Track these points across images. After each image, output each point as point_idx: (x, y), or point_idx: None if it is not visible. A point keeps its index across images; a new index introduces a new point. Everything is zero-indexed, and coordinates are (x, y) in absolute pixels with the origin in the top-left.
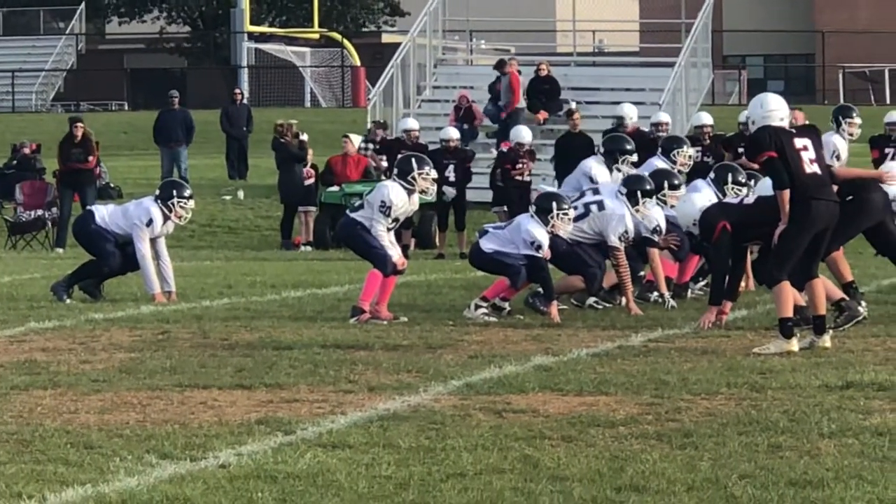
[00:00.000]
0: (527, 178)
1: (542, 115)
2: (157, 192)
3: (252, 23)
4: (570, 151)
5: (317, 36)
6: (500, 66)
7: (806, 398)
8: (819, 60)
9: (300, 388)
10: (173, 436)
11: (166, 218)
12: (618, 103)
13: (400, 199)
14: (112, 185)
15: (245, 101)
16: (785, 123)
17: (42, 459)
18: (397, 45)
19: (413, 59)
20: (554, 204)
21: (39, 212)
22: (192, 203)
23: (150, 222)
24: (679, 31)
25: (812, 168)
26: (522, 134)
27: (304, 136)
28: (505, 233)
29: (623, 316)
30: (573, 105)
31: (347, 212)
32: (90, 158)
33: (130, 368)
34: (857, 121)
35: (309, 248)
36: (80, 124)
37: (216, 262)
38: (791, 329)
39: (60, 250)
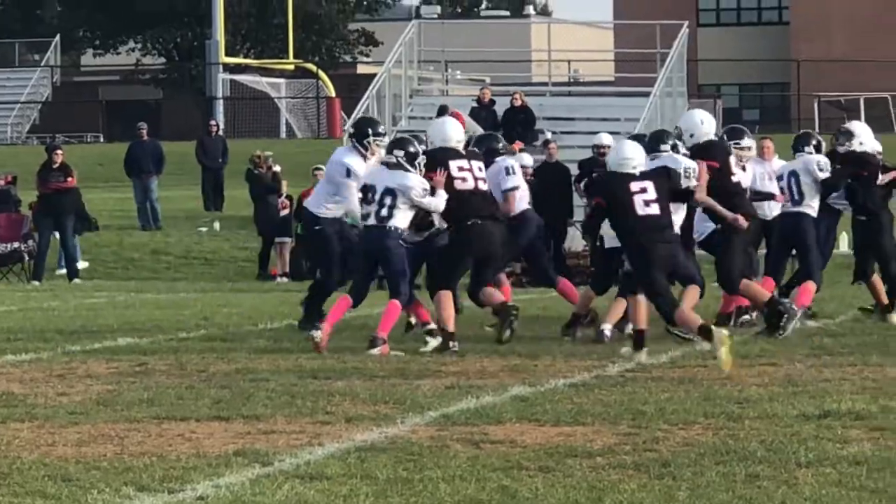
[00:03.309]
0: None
1: (518, 144)
2: (351, 131)
3: (227, 54)
4: (547, 181)
5: (292, 67)
6: (442, 112)
7: (783, 427)
8: (794, 89)
9: (277, 419)
10: (151, 468)
11: (365, 158)
12: (593, 133)
13: (355, 161)
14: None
15: (220, 132)
16: (637, 171)
17: (20, 492)
18: (372, 75)
19: (388, 89)
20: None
21: (16, 244)
22: (386, 140)
23: (348, 172)
24: (654, 60)
25: (646, 210)
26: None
27: (277, 168)
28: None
29: (600, 347)
30: (549, 135)
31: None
32: (69, 179)
33: (108, 400)
34: (747, 143)
35: (285, 280)
36: (59, 151)
37: (193, 293)
38: (642, 341)
39: (37, 283)
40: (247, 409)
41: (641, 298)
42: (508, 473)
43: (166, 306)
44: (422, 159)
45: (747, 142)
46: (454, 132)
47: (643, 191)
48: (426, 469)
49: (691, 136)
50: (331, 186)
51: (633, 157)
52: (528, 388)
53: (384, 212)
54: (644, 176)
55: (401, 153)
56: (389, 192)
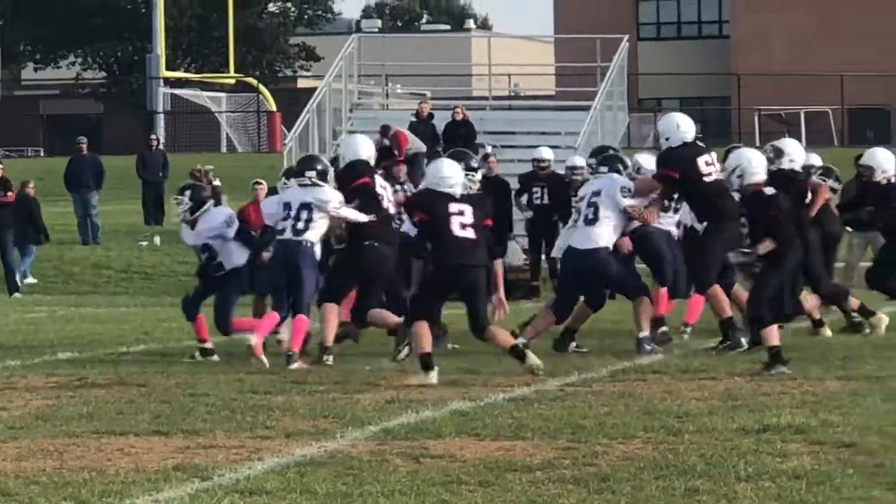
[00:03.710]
0: None
1: None
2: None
3: (168, 68)
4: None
5: (232, 81)
6: (384, 131)
7: (723, 441)
8: (735, 103)
9: (217, 434)
10: (90, 483)
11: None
12: (534, 147)
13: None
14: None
15: (161, 146)
16: (456, 191)
17: None
18: (313, 89)
19: (329, 103)
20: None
21: None
22: (478, 176)
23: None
24: (595, 74)
25: (462, 233)
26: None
27: (217, 182)
28: None
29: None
30: (489, 149)
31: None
32: (9, 193)
33: (47, 415)
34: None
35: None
36: None
37: (133, 308)
38: (429, 364)
39: None
40: (186, 424)
41: (421, 325)
42: (448, 488)
43: (106, 321)
44: (331, 175)
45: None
46: (365, 149)
47: (461, 213)
48: (366, 484)
49: (666, 139)
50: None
51: (451, 177)
52: (467, 402)
53: (300, 225)
54: (464, 199)
55: (312, 173)
56: (306, 206)
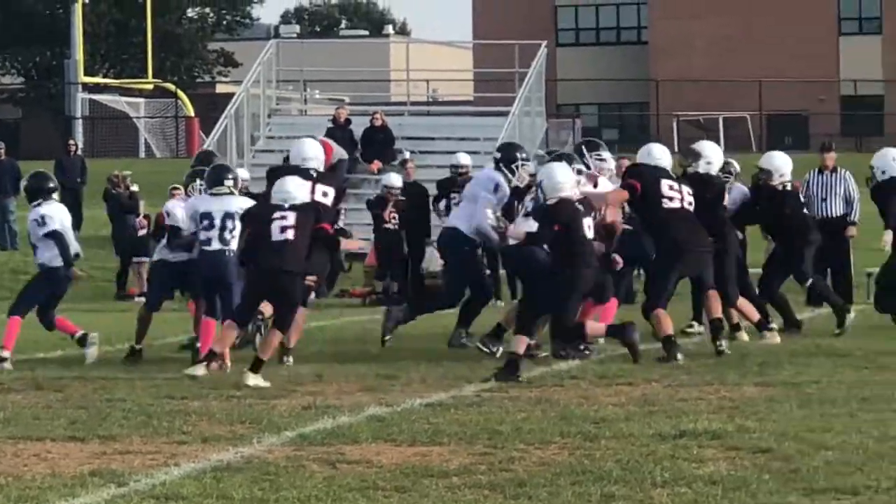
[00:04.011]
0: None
1: (376, 164)
2: (498, 156)
3: (86, 74)
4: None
5: (151, 86)
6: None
7: (639, 447)
8: (653, 109)
9: (133, 439)
10: (6, 488)
11: (510, 182)
12: (452, 152)
13: (503, 181)
14: None
15: (79, 152)
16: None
17: None
18: (231, 95)
19: (247, 109)
20: None
21: None
22: (531, 165)
23: (496, 188)
24: (513, 80)
25: (281, 236)
26: (392, 179)
27: (135, 187)
28: None
29: (459, 365)
30: (407, 154)
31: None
32: None
33: None
34: (603, 154)
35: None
36: None
37: None
38: (259, 366)
39: None
40: (103, 430)
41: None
42: (364, 493)
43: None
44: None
45: (605, 154)
46: (311, 151)
47: (283, 218)
48: (282, 489)
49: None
50: (471, 206)
51: (291, 191)
52: (384, 408)
53: (227, 235)
54: (293, 208)
55: (230, 182)
56: (230, 216)
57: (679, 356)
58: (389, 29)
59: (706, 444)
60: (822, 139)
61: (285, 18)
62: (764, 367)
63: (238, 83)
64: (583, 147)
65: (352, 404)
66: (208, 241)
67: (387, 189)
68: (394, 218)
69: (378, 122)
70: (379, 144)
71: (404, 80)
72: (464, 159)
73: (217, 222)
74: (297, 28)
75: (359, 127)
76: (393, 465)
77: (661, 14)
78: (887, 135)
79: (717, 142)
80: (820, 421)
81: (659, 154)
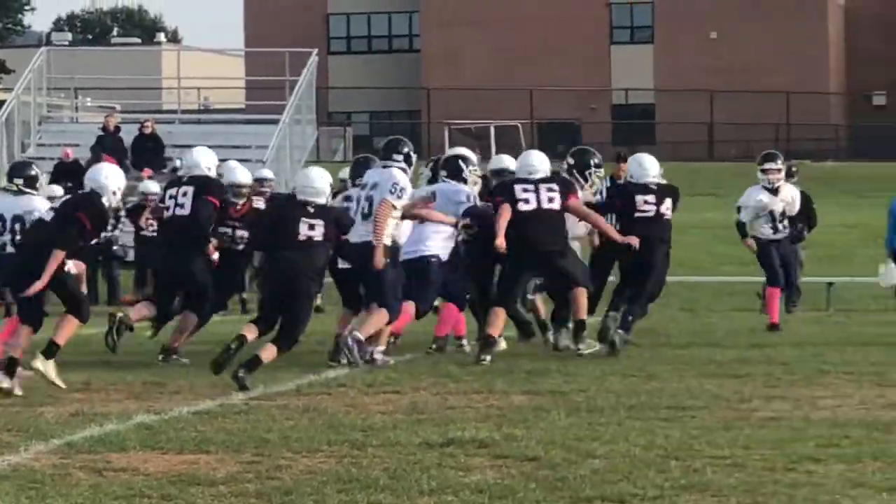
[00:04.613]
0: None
1: (146, 172)
2: (571, 162)
3: None
4: None
5: None
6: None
7: (406, 455)
8: (424, 117)
9: None
10: None
11: (582, 187)
12: (224, 160)
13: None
14: None
15: None
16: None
17: None
18: (2, 102)
19: (18, 116)
20: None
21: None
22: (602, 171)
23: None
24: (284, 88)
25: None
26: (150, 186)
27: None
28: None
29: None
30: (178, 162)
31: None
32: None
33: None
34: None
35: None
36: None
37: None
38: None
39: None
40: None
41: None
42: (131, 501)
43: None
44: (42, 182)
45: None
46: (205, 160)
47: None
48: (48, 497)
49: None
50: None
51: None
52: (152, 415)
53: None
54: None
55: (20, 181)
56: (18, 218)
57: (487, 358)
58: (161, 37)
59: (473, 453)
60: (596, 147)
61: (58, 25)
62: (532, 375)
63: (9, 90)
64: (591, 161)
65: (119, 411)
66: (2, 246)
67: (144, 196)
68: (151, 225)
69: (148, 130)
70: (149, 152)
71: (175, 88)
72: (267, 173)
73: (7, 224)
74: (69, 36)
75: (129, 135)
76: (160, 474)
77: (433, 23)
78: (659, 143)
79: (488, 149)
80: (587, 429)
81: (507, 161)
